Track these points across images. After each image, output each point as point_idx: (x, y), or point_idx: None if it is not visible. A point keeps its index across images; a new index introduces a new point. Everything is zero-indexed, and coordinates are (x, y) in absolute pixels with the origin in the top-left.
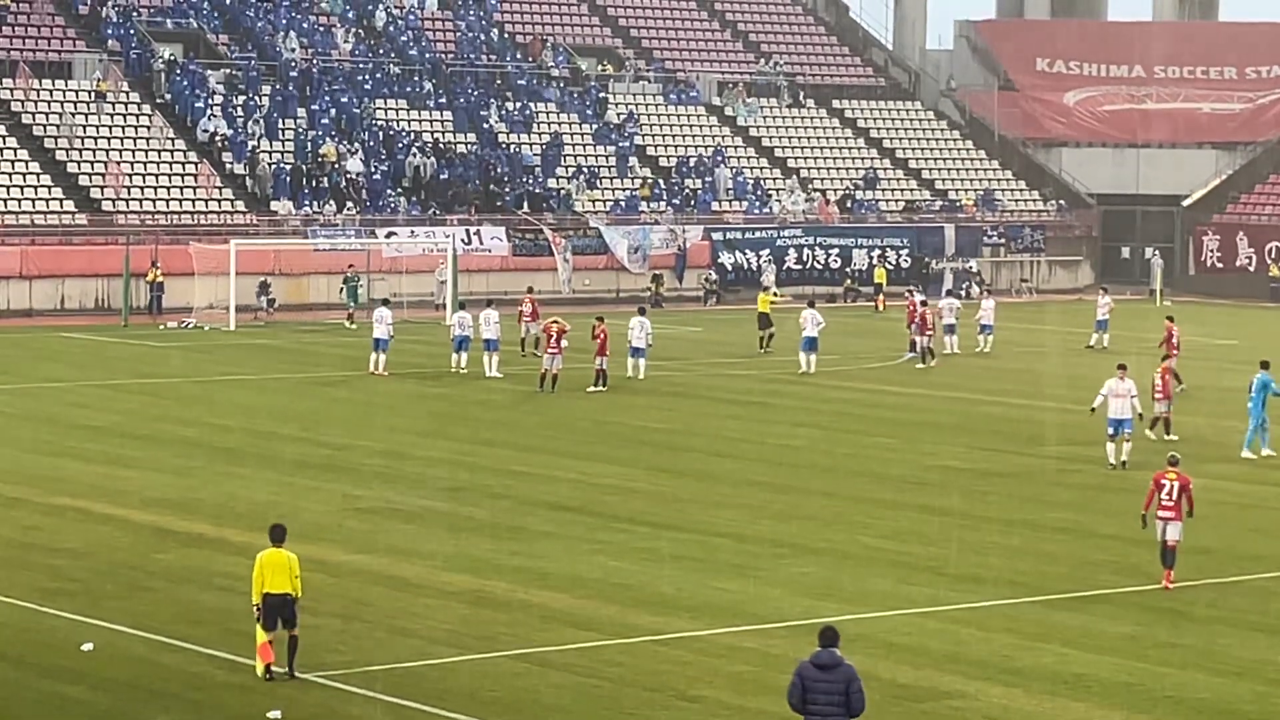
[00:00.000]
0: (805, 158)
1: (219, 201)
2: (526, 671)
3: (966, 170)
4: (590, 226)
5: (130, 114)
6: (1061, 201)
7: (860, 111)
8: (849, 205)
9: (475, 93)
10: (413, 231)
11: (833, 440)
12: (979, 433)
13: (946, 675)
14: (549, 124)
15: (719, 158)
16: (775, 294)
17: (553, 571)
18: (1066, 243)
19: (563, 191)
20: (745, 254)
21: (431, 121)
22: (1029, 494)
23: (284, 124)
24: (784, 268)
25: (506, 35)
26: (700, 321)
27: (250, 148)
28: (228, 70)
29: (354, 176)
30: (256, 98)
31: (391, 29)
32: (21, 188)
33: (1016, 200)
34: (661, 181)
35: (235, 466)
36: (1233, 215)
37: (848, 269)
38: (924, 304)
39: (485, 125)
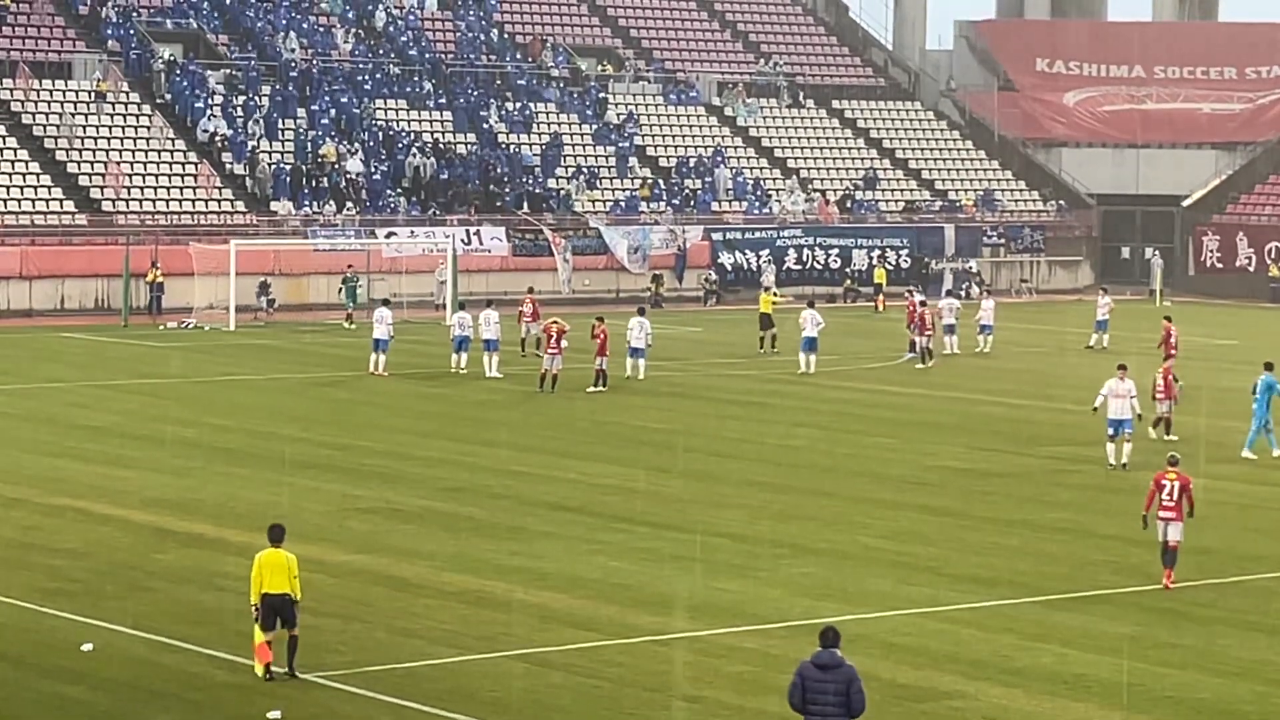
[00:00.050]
0: (805, 158)
1: (219, 202)
2: (526, 671)
3: (966, 170)
4: (590, 227)
5: (130, 114)
6: (1061, 202)
7: (860, 112)
8: (849, 205)
9: (475, 93)
10: (412, 232)
11: (833, 440)
12: (979, 433)
13: (946, 675)
14: (549, 124)
15: (719, 158)
16: (776, 294)
17: (552, 571)
18: (1066, 243)
19: (563, 192)
20: (745, 254)
21: (431, 122)
22: (1029, 494)
23: (284, 124)
24: (784, 268)
25: (506, 35)
26: (700, 322)
27: (250, 148)
28: (228, 70)
29: (354, 177)
30: (256, 98)
31: (391, 29)
32: (21, 188)
33: (1016, 200)
34: (661, 182)
35: (235, 466)
36: (1232, 215)
37: (847, 269)
38: (924, 304)
39: (485, 125)
